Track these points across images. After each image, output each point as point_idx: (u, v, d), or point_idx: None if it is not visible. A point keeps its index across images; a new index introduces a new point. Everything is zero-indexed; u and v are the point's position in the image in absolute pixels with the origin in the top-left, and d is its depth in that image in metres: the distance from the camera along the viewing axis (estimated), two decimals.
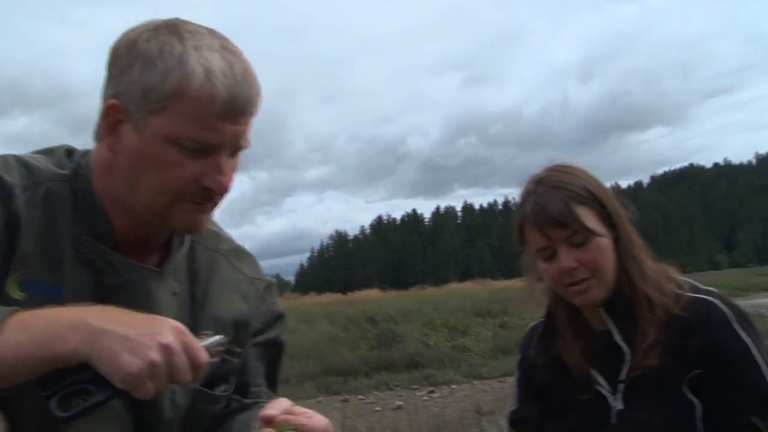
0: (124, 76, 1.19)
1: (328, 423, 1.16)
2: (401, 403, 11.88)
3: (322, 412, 1.21)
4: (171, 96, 1.15)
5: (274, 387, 1.57)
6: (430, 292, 33.87)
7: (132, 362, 0.99)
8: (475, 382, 14.55)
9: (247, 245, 1.55)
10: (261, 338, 1.49)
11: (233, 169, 1.26)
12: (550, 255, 1.68)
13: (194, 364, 1.06)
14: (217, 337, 1.17)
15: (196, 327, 1.28)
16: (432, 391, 13.82)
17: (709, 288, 1.71)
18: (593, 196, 1.67)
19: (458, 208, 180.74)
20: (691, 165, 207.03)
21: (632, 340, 1.66)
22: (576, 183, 1.68)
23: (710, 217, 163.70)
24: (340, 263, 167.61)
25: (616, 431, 1.60)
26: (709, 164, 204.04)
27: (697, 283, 1.72)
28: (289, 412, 1.13)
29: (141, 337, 1.01)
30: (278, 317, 1.54)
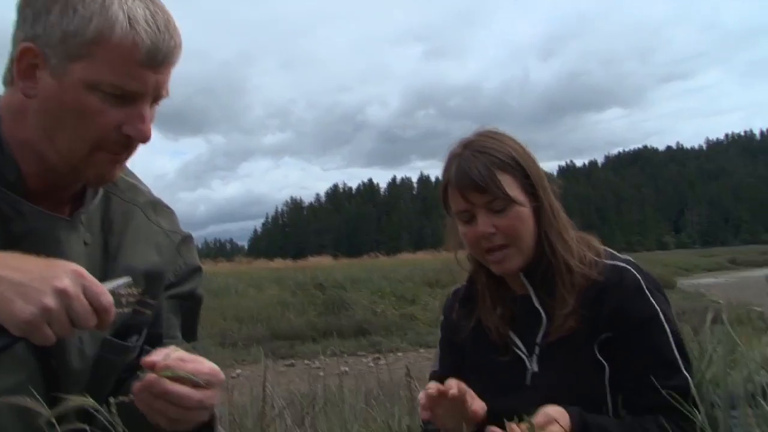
0: (41, 19, 1.16)
1: (214, 369, 1.15)
2: (346, 368, 11.97)
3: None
4: (93, 42, 1.14)
5: (191, 340, 1.56)
6: (382, 261, 34.01)
7: (25, 309, 0.97)
8: (421, 350, 14.72)
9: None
10: (175, 291, 1.48)
11: (152, 119, 1.26)
12: (470, 219, 1.69)
13: (97, 308, 1.04)
14: (122, 280, 1.17)
15: (107, 277, 1.27)
16: (378, 358, 13.93)
17: (626, 257, 1.75)
18: (517, 164, 1.68)
19: (414, 179, 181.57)
20: (645, 147, 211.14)
21: (550, 305, 1.69)
22: (502, 150, 1.69)
23: (661, 199, 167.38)
24: (294, 230, 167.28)
25: (530, 393, 1.64)
26: (662, 147, 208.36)
27: (614, 252, 1.76)
28: (179, 359, 1.13)
29: (35, 283, 0.99)
30: (194, 270, 1.53)
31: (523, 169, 1.68)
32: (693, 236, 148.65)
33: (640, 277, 1.67)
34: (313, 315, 18.17)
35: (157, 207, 1.51)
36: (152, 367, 1.10)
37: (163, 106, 1.28)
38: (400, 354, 14.48)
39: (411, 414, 2.73)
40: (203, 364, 1.15)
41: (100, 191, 1.37)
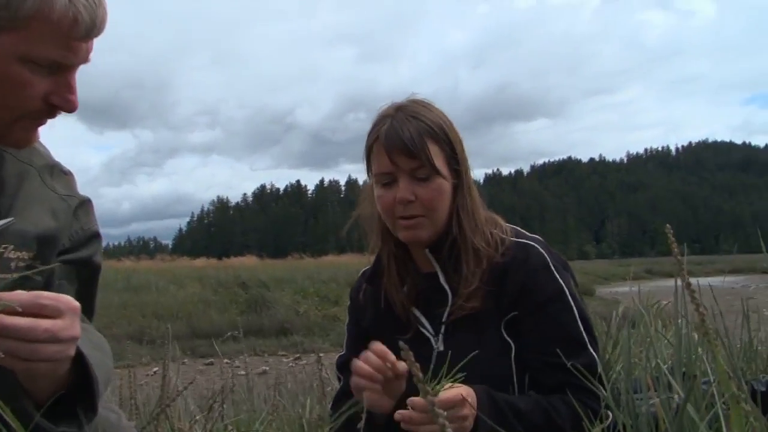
0: None
1: (61, 297, 1.06)
2: (266, 368, 11.85)
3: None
4: (31, 16, 1.12)
5: (89, 310, 1.48)
6: (307, 262, 33.77)
7: None
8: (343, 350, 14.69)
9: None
10: (70, 256, 1.40)
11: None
12: (390, 182, 1.66)
13: None
14: (5, 221, 1.14)
15: None
16: (299, 358, 13.84)
17: (533, 235, 1.75)
18: (446, 138, 1.67)
19: (342, 182, 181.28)
20: (569, 158, 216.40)
21: (456, 283, 1.68)
22: (434, 120, 1.67)
23: (583, 210, 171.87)
24: (219, 230, 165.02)
25: (435, 372, 1.63)
26: (585, 158, 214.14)
27: (522, 231, 1.76)
28: (14, 292, 1.03)
29: None
30: (92, 236, 1.45)
31: (451, 143, 1.68)
32: (613, 246, 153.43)
33: (546, 254, 1.67)
34: (235, 314, 17.94)
35: (54, 171, 1.43)
36: None
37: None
38: (321, 354, 14.38)
39: (321, 403, 2.70)
40: (45, 293, 1.06)
41: None
